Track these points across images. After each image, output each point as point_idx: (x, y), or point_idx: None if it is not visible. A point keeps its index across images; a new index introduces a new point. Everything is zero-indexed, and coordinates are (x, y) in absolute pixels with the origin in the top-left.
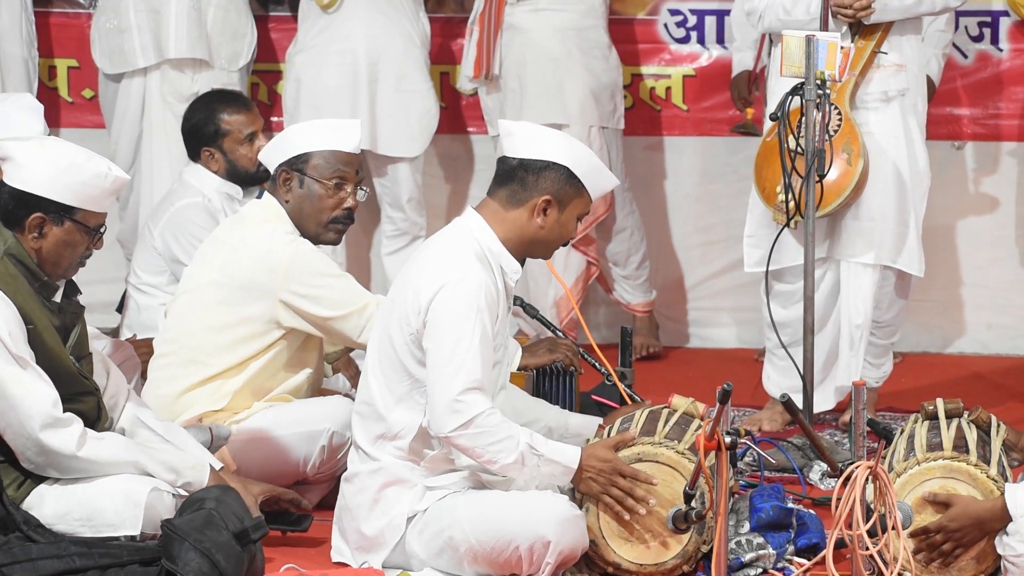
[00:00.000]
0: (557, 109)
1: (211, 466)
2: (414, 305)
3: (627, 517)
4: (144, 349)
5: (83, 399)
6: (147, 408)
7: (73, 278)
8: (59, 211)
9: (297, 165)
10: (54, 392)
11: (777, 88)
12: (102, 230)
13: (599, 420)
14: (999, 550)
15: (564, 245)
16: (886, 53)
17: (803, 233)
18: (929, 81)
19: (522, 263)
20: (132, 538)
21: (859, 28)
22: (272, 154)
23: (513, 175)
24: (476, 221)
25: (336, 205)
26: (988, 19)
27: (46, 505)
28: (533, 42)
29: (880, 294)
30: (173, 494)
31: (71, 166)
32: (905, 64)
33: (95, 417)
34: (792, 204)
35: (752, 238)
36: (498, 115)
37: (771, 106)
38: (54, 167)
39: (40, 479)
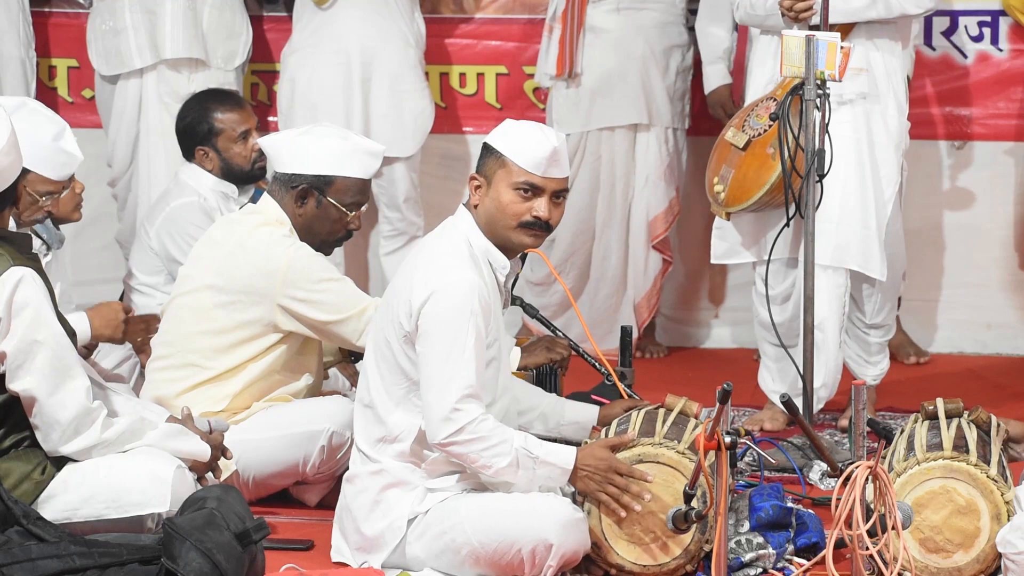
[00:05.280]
0: (639, 110)
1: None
2: (406, 309)
3: (623, 514)
4: (142, 326)
5: None
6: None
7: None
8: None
9: (319, 185)
10: (86, 380)
11: (753, 85)
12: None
13: (596, 408)
14: (1000, 548)
15: (534, 227)
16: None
17: (775, 232)
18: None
19: (520, 261)
20: (159, 516)
21: (816, 29)
22: (289, 159)
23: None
24: (465, 219)
25: (345, 227)
26: (988, 19)
27: (70, 491)
28: (616, 42)
29: (864, 296)
30: (194, 475)
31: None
32: (868, 68)
33: None
34: (723, 196)
35: (718, 231)
36: (569, 113)
37: (749, 97)
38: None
39: (63, 462)
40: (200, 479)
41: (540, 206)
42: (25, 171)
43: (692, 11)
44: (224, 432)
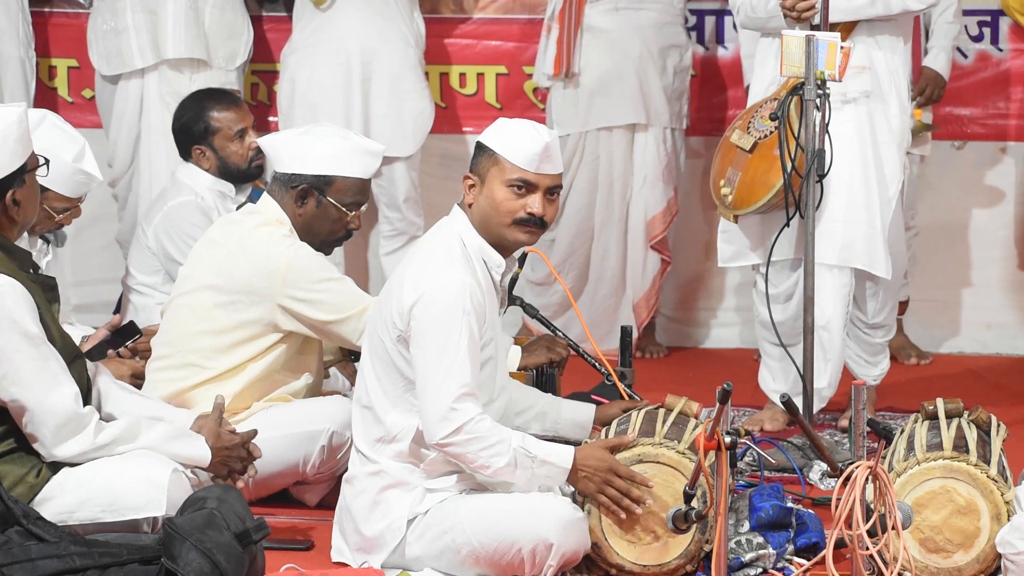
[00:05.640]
0: (637, 110)
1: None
2: (398, 308)
3: (623, 516)
4: (146, 346)
5: (75, 364)
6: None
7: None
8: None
9: (319, 185)
10: (74, 387)
11: (756, 87)
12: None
13: (592, 407)
14: (999, 548)
15: (529, 223)
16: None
17: (779, 232)
18: (938, 75)
19: (519, 261)
20: (155, 520)
21: (819, 27)
22: (289, 159)
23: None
24: (459, 218)
25: (345, 227)
26: (988, 19)
27: (66, 493)
28: (613, 42)
29: (866, 296)
30: (189, 477)
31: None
32: (870, 67)
33: (87, 386)
34: (731, 198)
35: (725, 234)
36: (567, 114)
37: (752, 99)
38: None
39: (58, 466)
40: (229, 478)
41: (534, 202)
42: (43, 188)
43: (692, 11)
44: None
